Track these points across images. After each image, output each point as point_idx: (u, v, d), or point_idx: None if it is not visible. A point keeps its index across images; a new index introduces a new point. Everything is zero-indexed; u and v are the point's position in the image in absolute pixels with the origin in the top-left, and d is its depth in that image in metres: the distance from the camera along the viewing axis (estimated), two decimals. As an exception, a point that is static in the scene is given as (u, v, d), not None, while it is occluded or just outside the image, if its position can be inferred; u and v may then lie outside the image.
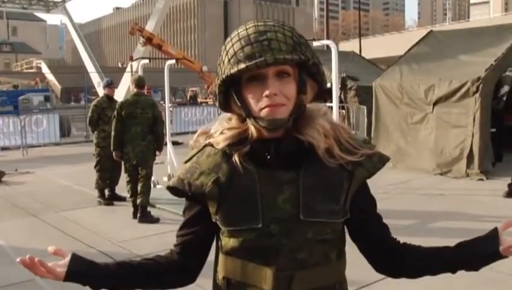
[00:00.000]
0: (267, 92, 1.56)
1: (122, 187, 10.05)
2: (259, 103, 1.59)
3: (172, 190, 1.77)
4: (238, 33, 1.61)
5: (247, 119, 1.65)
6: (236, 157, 1.66)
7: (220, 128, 1.74)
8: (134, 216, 8.60)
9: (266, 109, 1.58)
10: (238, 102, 1.63)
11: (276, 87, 1.57)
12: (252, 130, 1.66)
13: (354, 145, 1.69)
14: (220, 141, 1.70)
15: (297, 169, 1.65)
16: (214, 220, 1.70)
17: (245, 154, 1.67)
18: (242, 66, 1.55)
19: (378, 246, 1.81)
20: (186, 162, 1.76)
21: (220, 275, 1.76)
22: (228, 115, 1.75)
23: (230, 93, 1.65)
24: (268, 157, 1.65)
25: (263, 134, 1.65)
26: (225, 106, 1.71)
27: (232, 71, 1.57)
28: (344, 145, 1.68)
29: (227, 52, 1.60)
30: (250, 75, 1.58)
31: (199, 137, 1.80)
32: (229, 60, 1.59)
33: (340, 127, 1.72)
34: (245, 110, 1.63)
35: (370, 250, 1.82)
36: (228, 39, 1.63)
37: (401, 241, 1.83)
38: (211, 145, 1.73)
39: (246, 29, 1.60)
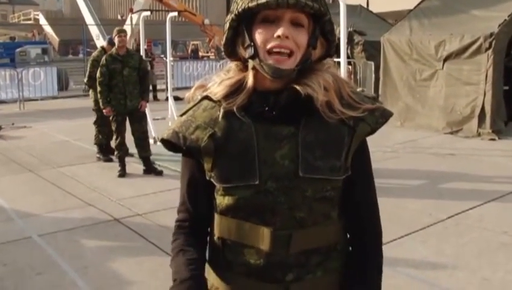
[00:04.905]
0: (279, 32, 1.50)
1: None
2: (268, 42, 1.53)
3: (166, 143, 1.70)
4: None
5: (250, 62, 1.58)
6: (233, 111, 1.60)
7: (218, 80, 1.68)
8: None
9: (273, 57, 1.52)
10: (247, 39, 1.56)
11: (289, 31, 1.51)
12: (250, 78, 1.60)
13: (356, 100, 1.62)
14: (218, 91, 1.64)
15: (297, 124, 1.59)
16: (208, 178, 1.64)
17: (243, 107, 1.60)
18: (262, 0, 1.48)
19: (352, 211, 1.70)
20: (181, 115, 1.71)
21: (215, 236, 1.69)
22: (227, 66, 1.70)
23: (240, 31, 1.59)
24: (267, 108, 1.58)
25: (262, 83, 1.59)
26: (231, 45, 1.64)
27: (251, 5, 1.50)
28: (346, 100, 1.61)
29: None
30: (265, 16, 1.53)
31: (196, 91, 1.75)
32: None
33: (343, 81, 1.66)
34: (252, 50, 1.55)
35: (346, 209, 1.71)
36: None
37: (365, 242, 1.72)
38: (208, 98, 1.67)
39: None
